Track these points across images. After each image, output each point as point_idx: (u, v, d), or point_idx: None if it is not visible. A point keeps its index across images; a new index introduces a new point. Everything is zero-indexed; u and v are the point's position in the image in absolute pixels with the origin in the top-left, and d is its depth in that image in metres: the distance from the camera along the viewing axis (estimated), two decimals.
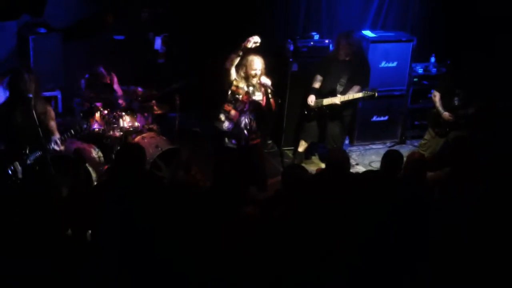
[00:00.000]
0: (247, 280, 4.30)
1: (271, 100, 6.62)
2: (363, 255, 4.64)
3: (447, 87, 7.72)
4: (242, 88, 6.62)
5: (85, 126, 6.33)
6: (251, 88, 6.63)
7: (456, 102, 7.63)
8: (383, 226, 4.74)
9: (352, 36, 7.76)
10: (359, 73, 7.71)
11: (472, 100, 7.53)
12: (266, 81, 6.56)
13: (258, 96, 6.67)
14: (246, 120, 6.69)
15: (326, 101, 7.66)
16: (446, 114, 7.59)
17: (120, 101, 7.42)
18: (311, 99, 7.69)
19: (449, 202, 5.17)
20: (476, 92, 7.54)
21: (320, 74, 7.78)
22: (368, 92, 7.65)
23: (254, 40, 6.36)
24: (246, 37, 6.50)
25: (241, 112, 6.66)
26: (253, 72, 6.53)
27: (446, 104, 7.65)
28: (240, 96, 6.61)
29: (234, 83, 6.61)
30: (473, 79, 7.56)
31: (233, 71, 6.57)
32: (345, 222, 4.73)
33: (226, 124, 6.68)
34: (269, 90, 6.56)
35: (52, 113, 6.18)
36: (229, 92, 6.66)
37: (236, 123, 6.66)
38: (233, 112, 6.67)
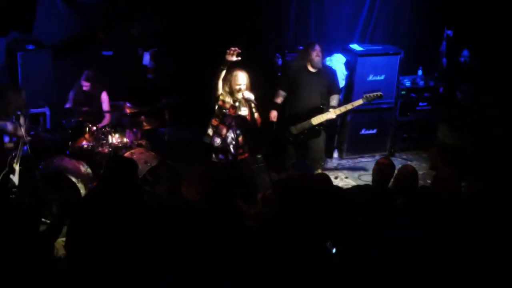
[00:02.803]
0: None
1: (256, 114, 6.65)
2: (359, 264, 4.66)
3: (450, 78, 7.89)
4: (229, 103, 6.64)
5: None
6: (237, 103, 6.65)
7: (458, 96, 7.73)
8: (376, 239, 4.75)
9: (320, 44, 7.60)
10: (333, 81, 7.64)
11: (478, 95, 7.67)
12: (249, 95, 6.58)
13: (244, 111, 6.70)
14: (233, 135, 6.71)
15: (317, 120, 7.43)
16: None
17: (106, 118, 7.46)
18: (274, 115, 7.51)
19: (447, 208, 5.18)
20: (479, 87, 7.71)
21: (284, 89, 7.59)
22: (371, 96, 7.49)
23: (234, 51, 6.37)
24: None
25: (228, 127, 6.69)
26: (237, 87, 6.55)
27: (447, 98, 7.84)
28: (227, 111, 6.64)
29: (221, 97, 6.64)
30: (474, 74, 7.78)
31: (219, 86, 6.60)
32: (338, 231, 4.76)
33: (215, 139, 6.71)
34: (252, 105, 6.59)
35: None
36: (216, 107, 6.70)
37: (223, 138, 6.69)
38: (221, 126, 6.70)
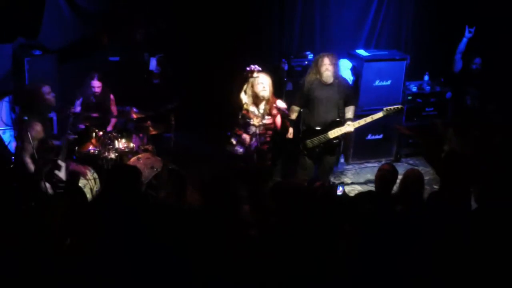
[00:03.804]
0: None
1: (287, 123, 6.69)
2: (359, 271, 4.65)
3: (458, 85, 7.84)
4: (253, 112, 6.64)
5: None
6: (261, 110, 6.66)
7: (468, 101, 7.71)
8: (376, 245, 4.74)
9: (333, 54, 7.28)
10: (349, 93, 7.35)
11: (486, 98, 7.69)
12: (282, 105, 6.60)
13: (268, 120, 6.70)
14: (257, 143, 6.69)
15: (334, 133, 7.13)
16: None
17: (112, 121, 7.48)
18: (290, 132, 7.17)
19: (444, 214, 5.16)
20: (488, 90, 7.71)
21: (298, 105, 7.29)
22: (391, 108, 7.23)
23: (256, 69, 6.41)
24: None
25: (252, 136, 6.67)
26: (259, 86, 6.53)
27: (457, 104, 7.80)
28: (251, 120, 6.63)
29: (245, 106, 6.64)
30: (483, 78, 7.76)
31: (243, 96, 6.61)
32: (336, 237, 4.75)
33: (238, 148, 6.69)
34: (284, 114, 6.62)
35: None
36: (240, 116, 6.67)
37: (247, 147, 6.67)
38: (244, 136, 6.68)
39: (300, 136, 7.29)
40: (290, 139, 7.22)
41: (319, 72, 7.12)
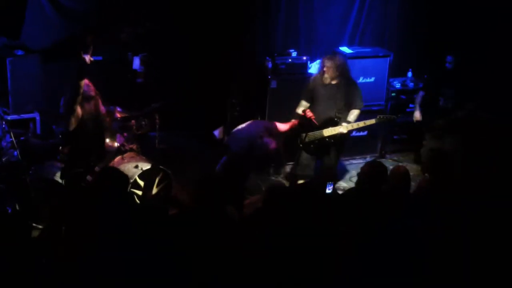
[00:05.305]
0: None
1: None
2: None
3: (432, 85, 7.91)
4: None
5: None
6: None
7: (441, 102, 7.75)
8: (372, 241, 4.76)
9: (338, 57, 7.45)
10: (354, 96, 7.40)
11: (460, 100, 7.69)
12: (311, 114, 7.01)
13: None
14: None
15: (328, 132, 7.25)
16: (416, 115, 8.10)
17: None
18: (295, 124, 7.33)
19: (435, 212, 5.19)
20: (464, 92, 7.71)
21: (306, 100, 7.47)
22: (385, 117, 7.50)
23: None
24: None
25: None
26: None
27: (430, 104, 7.83)
28: None
29: None
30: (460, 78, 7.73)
31: None
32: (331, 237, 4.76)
33: None
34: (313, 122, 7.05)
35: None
36: None
37: None
38: None
39: (300, 129, 7.38)
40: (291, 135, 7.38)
41: (322, 73, 7.37)
